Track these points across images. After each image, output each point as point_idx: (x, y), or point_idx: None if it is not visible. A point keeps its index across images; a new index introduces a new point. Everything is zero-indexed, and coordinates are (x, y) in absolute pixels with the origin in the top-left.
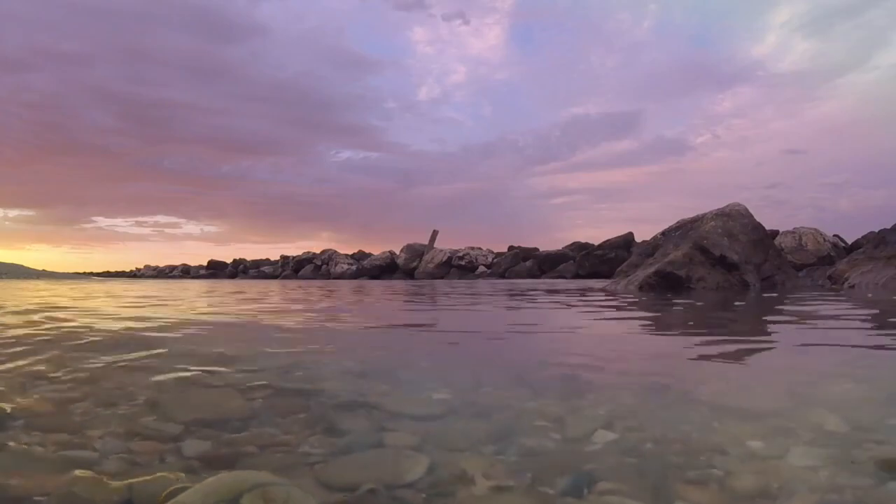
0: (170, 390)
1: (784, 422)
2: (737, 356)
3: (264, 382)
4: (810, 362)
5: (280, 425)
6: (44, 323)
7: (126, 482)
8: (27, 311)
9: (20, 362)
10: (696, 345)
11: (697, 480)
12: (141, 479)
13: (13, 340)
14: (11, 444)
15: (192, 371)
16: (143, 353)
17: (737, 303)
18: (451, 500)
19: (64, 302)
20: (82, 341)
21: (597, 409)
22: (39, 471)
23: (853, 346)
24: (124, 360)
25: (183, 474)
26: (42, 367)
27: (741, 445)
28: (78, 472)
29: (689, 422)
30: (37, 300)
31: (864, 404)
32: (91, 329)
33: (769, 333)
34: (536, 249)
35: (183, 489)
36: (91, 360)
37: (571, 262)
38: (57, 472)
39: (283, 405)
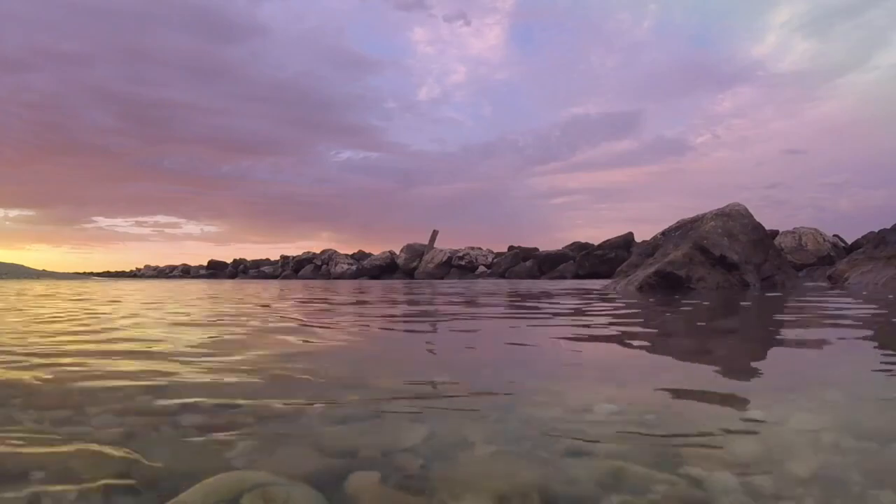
0: None
1: (784, 395)
2: (736, 345)
3: None
4: (808, 348)
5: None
6: None
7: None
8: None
9: None
10: (694, 337)
11: (699, 445)
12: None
13: None
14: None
15: None
16: None
17: (742, 303)
18: (450, 463)
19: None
20: None
21: (598, 386)
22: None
23: (851, 336)
24: None
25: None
26: None
27: (743, 415)
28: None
29: (691, 395)
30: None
31: (863, 380)
32: None
33: (768, 326)
34: (536, 249)
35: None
36: None
37: (571, 262)
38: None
39: None
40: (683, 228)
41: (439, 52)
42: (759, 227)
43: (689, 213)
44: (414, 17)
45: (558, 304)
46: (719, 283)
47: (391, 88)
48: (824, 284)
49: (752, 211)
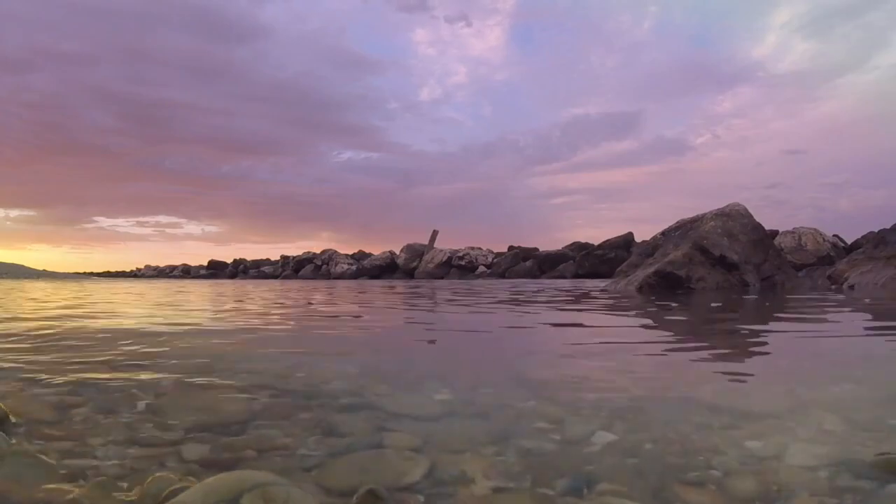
0: None
1: (783, 422)
2: (734, 358)
3: None
4: (808, 363)
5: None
6: None
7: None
8: None
9: None
10: (693, 347)
11: (696, 481)
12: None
13: None
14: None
15: None
16: None
17: (725, 310)
18: (450, 502)
19: None
20: None
21: (597, 409)
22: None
23: (851, 347)
24: None
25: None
26: None
27: (740, 446)
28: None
29: (688, 423)
30: None
31: (863, 404)
32: None
33: (767, 335)
34: (536, 249)
35: (183, 489)
36: None
37: (571, 262)
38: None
39: None
40: (683, 228)
41: (440, 52)
42: (758, 227)
43: (689, 213)
44: (416, 18)
45: (557, 305)
46: (719, 283)
47: (392, 89)
48: (824, 284)
49: (752, 211)
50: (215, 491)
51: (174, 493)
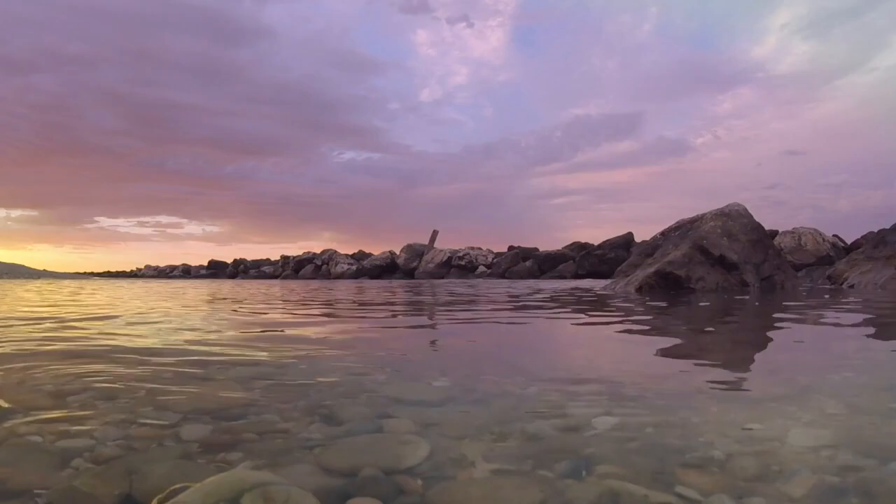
0: None
1: (783, 407)
2: (733, 351)
3: None
4: (807, 355)
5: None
6: None
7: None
8: None
9: None
10: (693, 341)
11: (697, 463)
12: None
13: None
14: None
15: None
16: None
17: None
18: (450, 484)
19: None
20: None
21: (598, 395)
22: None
23: (851, 341)
24: None
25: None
26: None
27: (741, 429)
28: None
29: (689, 408)
30: None
31: (864, 391)
32: None
33: (766, 330)
34: (536, 249)
35: (183, 489)
36: None
37: (571, 262)
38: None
39: None
40: (683, 228)
41: (442, 53)
42: (758, 227)
43: (689, 213)
44: (417, 19)
45: (556, 303)
46: (719, 283)
47: (394, 90)
48: (824, 284)
49: (751, 211)
50: (215, 491)
51: (174, 493)
